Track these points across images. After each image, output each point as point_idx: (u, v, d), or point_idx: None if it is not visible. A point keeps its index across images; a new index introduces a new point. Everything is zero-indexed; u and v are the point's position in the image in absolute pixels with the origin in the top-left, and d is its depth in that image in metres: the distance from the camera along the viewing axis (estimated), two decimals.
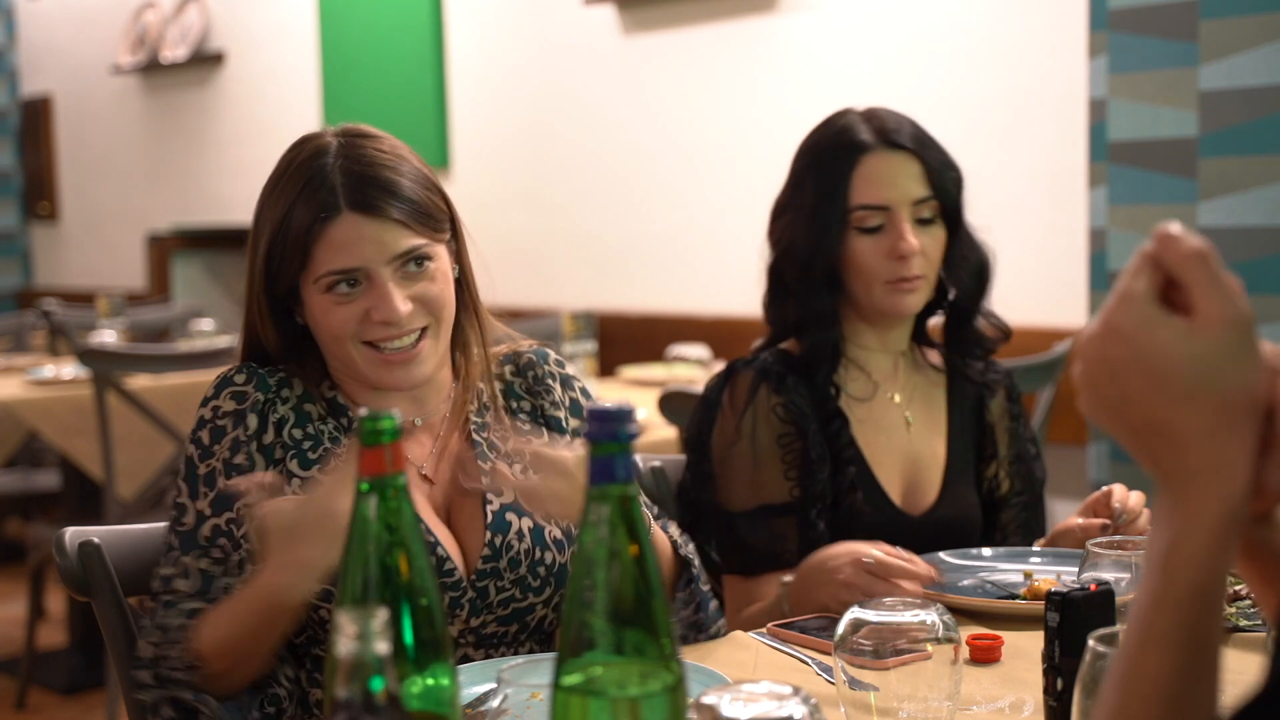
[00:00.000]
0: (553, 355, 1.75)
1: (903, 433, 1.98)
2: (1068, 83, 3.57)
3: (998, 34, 3.82)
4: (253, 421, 1.58)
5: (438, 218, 1.60)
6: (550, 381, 1.72)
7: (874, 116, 1.96)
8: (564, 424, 1.70)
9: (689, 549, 1.68)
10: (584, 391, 1.75)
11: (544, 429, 1.69)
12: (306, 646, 1.58)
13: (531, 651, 1.63)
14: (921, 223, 1.93)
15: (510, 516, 1.61)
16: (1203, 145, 3.06)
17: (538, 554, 1.60)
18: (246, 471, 1.54)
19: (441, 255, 1.61)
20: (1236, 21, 3.00)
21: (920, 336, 2.06)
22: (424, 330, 1.58)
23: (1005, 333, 2.05)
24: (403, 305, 1.55)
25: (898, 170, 1.92)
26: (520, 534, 1.60)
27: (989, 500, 2.06)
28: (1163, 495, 0.83)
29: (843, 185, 1.92)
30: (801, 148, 1.99)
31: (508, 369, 1.72)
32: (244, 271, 1.62)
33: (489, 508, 1.61)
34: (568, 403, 1.72)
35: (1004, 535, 2.06)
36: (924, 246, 1.92)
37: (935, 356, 2.08)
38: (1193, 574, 0.80)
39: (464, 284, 1.67)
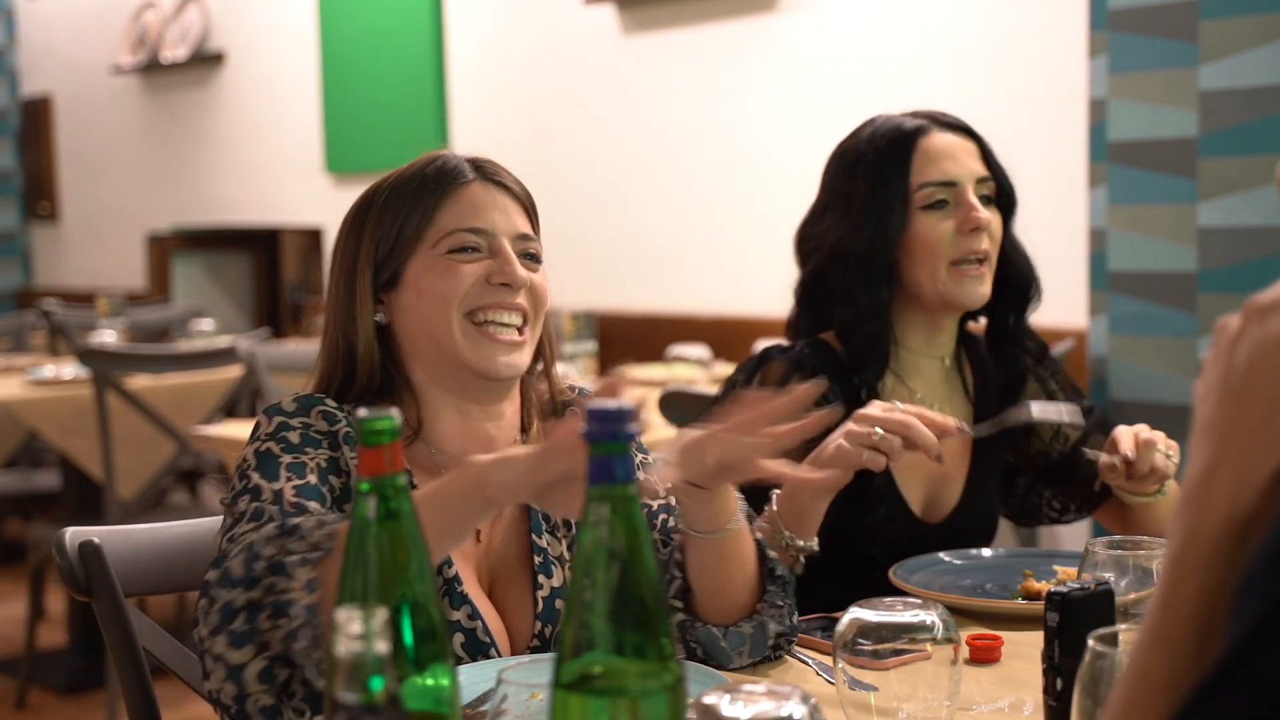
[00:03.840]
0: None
1: None
2: (1068, 83, 3.57)
3: (997, 34, 3.82)
4: (344, 446, 1.50)
5: (540, 239, 1.63)
6: None
7: (912, 111, 1.93)
8: None
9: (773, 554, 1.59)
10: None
11: None
12: None
13: None
14: (984, 201, 1.88)
15: (560, 604, 1.53)
16: (1203, 145, 3.06)
17: None
18: (343, 478, 1.46)
19: (543, 274, 1.60)
20: (1236, 21, 3.00)
21: (964, 342, 2.00)
22: (525, 319, 1.55)
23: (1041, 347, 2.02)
24: (523, 271, 1.55)
25: (958, 147, 1.88)
26: None
27: (1051, 466, 1.99)
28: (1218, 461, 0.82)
29: (903, 166, 1.86)
30: (835, 162, 1.93)
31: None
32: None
33: (539, 593, 1.53)
34: None
35: (1086, 487, 1.98)
36: (992, 226, 1.87)
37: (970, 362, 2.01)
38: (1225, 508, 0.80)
39: (547, 339, 1.62)
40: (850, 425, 1.66)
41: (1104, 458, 1.79)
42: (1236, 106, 3.01)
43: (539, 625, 1.52)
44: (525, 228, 1.60)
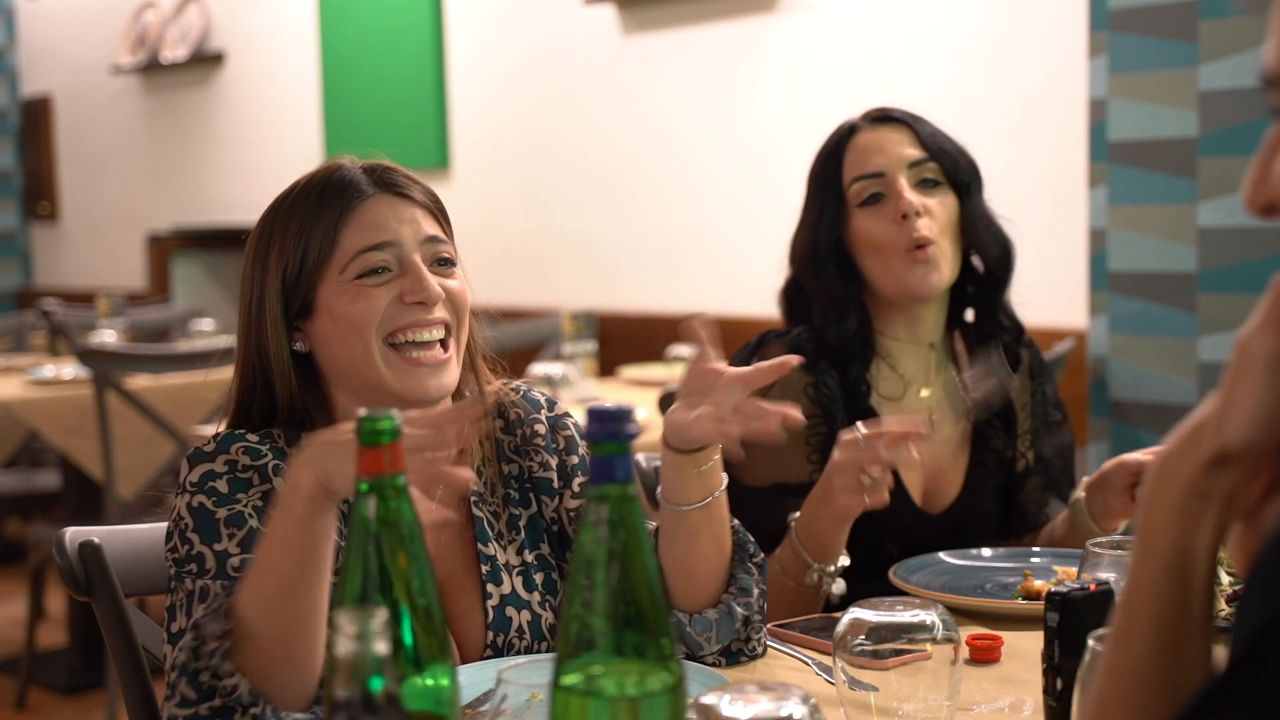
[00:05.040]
0: (543, 398, 1.67)
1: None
2: (1068, 83, 3.57)
3: (998, 34, 3.82)
4: (274, 477, 1.47)
5: (453, 238, 1.58)
6: (538, 441, 1.61)
7: (867, 111, 1.96)
8: (553, 484, 1.60)
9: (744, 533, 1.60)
10: (575, 426, 1.66)
11: (531, 492, 1.60)
12: None
13: None
14: (925, 185, 1.89)
15: (510, 612, 1.52)
16: (1203, 145, 3.06)
17: (538, 648, 1.53)
18: None
19: (459, 275, 1.56)
20: (1236, 21, 3.00)
21: (953, 327, 2.00)
22: (447, 331, 1.52)
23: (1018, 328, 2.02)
24: (436, 284, 1.50)
25: (886, 139, 1.90)
26: (521, 631, 1.52)
27: (1009, 477, 2.01)
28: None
29: (836, 167, 1.91)
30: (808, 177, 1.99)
31: (497, 424, 1.63)
32: (242, 276, 1.55)
33: (489, 603, 1.52)
34: (561, 444, 1.63)
35: (1021, 512, 2.01)
36: (930, 209, 1.87)
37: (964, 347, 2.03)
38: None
39: (471, 343, 1.60)
40: (828, 473, 1.67)
41: (1085, 522, 1.82)
42: (1236, 106, 3.01)
43: (490, 635, 1.51)
44: (433, 230, 1.54)
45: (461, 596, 1.53)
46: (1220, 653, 0.78)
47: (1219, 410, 0.80)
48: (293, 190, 1.54)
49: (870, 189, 1.88)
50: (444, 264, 1.54)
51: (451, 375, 1.52)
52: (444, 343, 1.52)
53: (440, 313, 1.51)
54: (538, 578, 1.55)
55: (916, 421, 1.65)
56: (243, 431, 1.51)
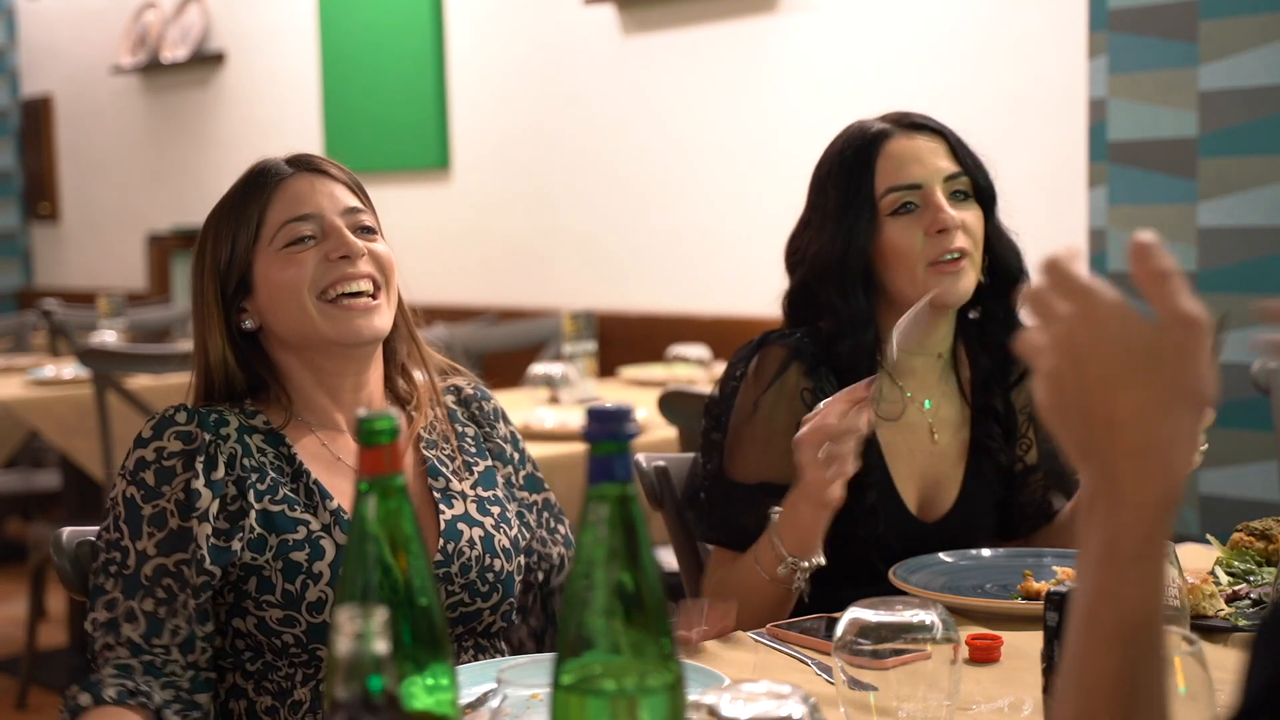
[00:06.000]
0: (492, 395, 1.85)
1: (927, 443, 1.92)
2: (1068, 83, 3.57)
3: (998, 34, 3.82)
4: (200, 463, 1.56)
5: (376, 214, 1.71)
6: (494, 419, 1.81)
7: (889, 113, 1.92)
8: (508, 455, 1.80)
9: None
10: (514, 432, 1.84)
11: (490, 457, 1.78)
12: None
13: (475, 654, 1.66)
14: (957, 197, 1.86)
15: (461, 526, 1.66)
16: (1203, 145, 3.06)
17: (487, 560, 1.66)
18: (201, 511, 1.54)
19: (383, 243, 1.68)
20: (1236, 21, 3.00)
21: (962, 334, 1.98)
22: (375, 286, 1.64)
23: None
24: (358, 242, 1.63)
25: (922, 148, 1.86)
26: (471, 541, 1.66)
27: (1008, 482, 2.00)
28: (1099, 490, 0.83)
29: (867, 174, 1.85)
30: (817, 172, 1.93)
31: (450, 398, 1.79)
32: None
33: (441, 516, 1.66)
34: (509, 436, 1.82)
35: (1024, 510, 2.00)
36: (965, 222, 1.85)
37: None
38: (1136, 568, 0.81)
39: (401, 312, 1.72)
40: (797, 458, 1.68)
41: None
42: (1236, 106, 3.01)
43: (441, 541, 1.64)
44: (353, 201, 1.67)
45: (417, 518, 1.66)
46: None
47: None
48: (226, 193, 1.70)
49: (905, 199, 1.85)
50: (366, 231, 1.67)
51: (383, 319, 1.65)
52: (373, 295, 1.64)
53: (366, 267, 1.63)
54: (493, 509, 1.71)
55: (859, 388, 1.66)
56: (180, 407, 1.62)
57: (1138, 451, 0.81)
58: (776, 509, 1.74)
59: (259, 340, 1.67)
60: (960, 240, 1.84)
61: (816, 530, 1.71)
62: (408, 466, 1.68)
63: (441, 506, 1.67)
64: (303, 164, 1.69)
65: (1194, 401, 0.82)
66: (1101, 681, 0.80)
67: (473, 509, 1.69)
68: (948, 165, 1.87)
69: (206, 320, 1.65)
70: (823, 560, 1.73)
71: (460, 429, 1.77)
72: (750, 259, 4.38)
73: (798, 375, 1.85)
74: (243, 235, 1.64)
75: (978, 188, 1.89)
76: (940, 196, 1.85)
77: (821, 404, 1.67)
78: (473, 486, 1.71)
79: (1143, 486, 0.81)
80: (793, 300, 1.94)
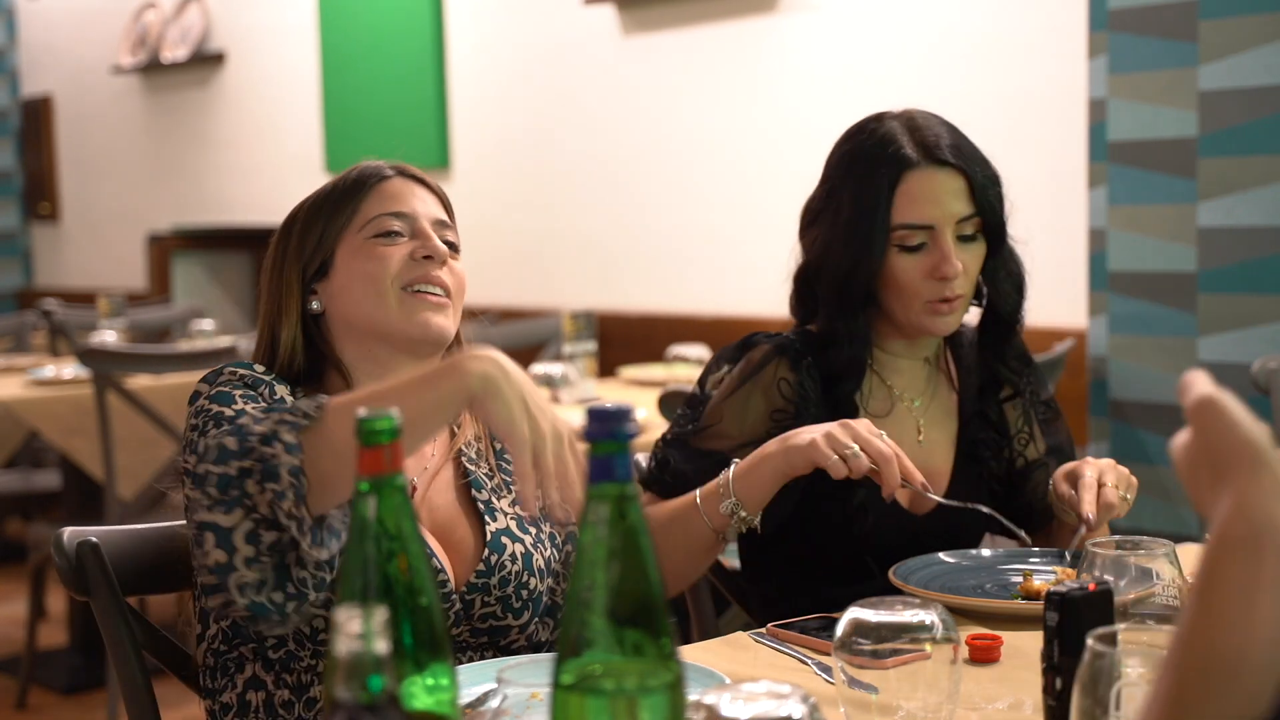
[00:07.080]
0: None
1: (914, 440, 1.94)
2: (1068, 83, 3.57)
3: (998, 34, 3.82)
4: (269, 396, 1.60)
5: (459, 237, 1.74)
6: None
7: (915, 128, 1.89)
8: None
9: None
10: None
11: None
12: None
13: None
14: (963, 239, 1.88)
15: (505, 540, 1.66)
16: (1203, 145, 3.06)
17: (525, 578, 1.65)
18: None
19: (460, 265, 1.72)
20: (1236, 21, 3.00)
21: (950, 337, 2.01)
22: (448, 294, 1.68)
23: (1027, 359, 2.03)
24: (443, 246, 1.67)
25: (941, 187, 1.86)
26: (514, 556, 1.66)
27: (1008, 480, 2.01)
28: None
29: (884, 202, 1.86)
30: (837, 153, 1.93)
31: None
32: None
33: (487, 528, 1.66)
34: None
35: (1030, 507, 1.99)
36: (965, 265, 1.87)
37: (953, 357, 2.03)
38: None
39: (459, 331, 1.74)
40: (833, 429, 1.69)
41: (1063, 513, 1.82)
42: (1236, 106, 3.01)
43: (486, 552, 1.63)
44: (443, 216, 1.73)
45: (458, 527, 1.67)
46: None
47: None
48: (320, 188, 1.74)
49: (915, 238, 1.86)
50: (450, 246, 1.71)
51: (450, 321, 1.68)
52: (448, 297, 1.69)
53: (444, 274, 1.68)
54: (531, 529, 1.70)
55: (919, 478, 1.72)
56: (249, 364, 1.64)
57: None
58: (736, 459, 1.78)
59: (320, 326, 1.69)
60: (959, 287, 1.87)
61: (767, 492, 1.74)
62: (448, 480, 1.70)
63: (486, 519, 1.67)
64: (404, 171, 1.74)
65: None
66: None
67: (513, 525, 1.69)
68: (962, 208, 1.87)
69: (286, 301, 1.68)
70: (756, 524, 1.76)
71: (498, 448, 1.78)
72: (750, 259, 4.39)
73: (778, 367, 1.88)
74: (334, 222, 1.68)
75: (988, 228, 1.90)
76: (948, 241, 1.86)
77: (884, 435, 1.71)
78: (511, 504, 1.71)
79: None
80: (804, 276, 1.97)
